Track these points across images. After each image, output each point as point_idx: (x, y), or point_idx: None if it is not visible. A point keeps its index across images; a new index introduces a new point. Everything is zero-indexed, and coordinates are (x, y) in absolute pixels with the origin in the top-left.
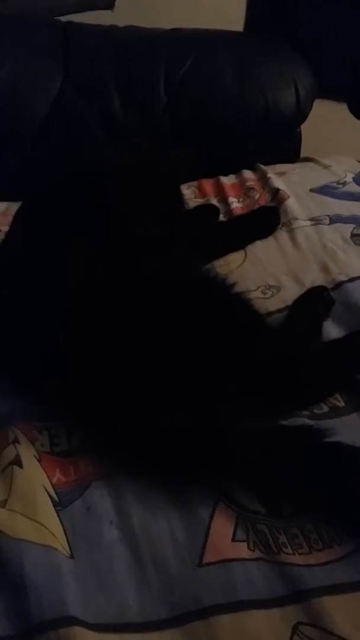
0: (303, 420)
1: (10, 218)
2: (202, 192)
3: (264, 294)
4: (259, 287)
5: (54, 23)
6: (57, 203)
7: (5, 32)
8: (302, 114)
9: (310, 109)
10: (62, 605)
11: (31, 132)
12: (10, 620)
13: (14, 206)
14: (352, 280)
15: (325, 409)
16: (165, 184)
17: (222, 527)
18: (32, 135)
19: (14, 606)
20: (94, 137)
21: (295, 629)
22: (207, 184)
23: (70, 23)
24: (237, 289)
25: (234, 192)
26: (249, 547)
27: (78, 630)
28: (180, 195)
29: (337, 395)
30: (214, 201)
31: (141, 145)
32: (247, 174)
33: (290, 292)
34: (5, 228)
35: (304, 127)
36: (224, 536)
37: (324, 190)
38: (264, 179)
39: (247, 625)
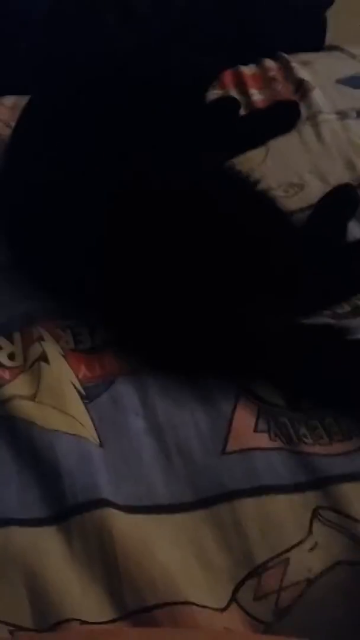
0: (325, 319)
1: (18, 112)
2: (220, 83)
3: (286, 192)
4: (281, 185)
5: None
6: (67, 98)
7: None
8: None
9: None
10: (95, 488)
11: (38, 20)
12: (47, 503)
13: (23, 100)
14: None
15: (347, 308)
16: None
17: (244, 419)
18: (40, 23)
19: (50, 490)
20: (105, 23)
21: (315, 513)
22: (227, 74)
23: None
24: (260, 186)
25: (255, 83)
26: (270, 438)
27: (110, 511)
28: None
29: None
30: (234, 93)
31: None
32: (269, 63)
33: (314, 191)
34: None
35: (330, 15)
36: (246, 427)
37: (352, 81)
38: (286, 69)
39: (270, 508)
